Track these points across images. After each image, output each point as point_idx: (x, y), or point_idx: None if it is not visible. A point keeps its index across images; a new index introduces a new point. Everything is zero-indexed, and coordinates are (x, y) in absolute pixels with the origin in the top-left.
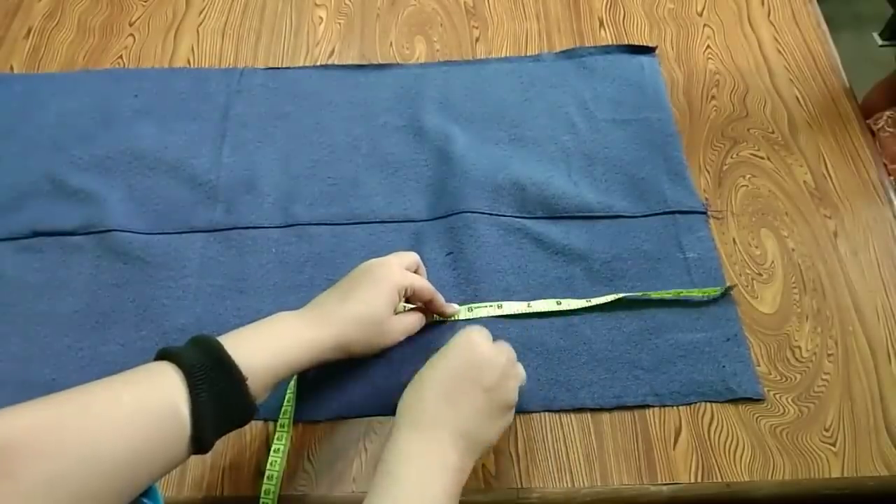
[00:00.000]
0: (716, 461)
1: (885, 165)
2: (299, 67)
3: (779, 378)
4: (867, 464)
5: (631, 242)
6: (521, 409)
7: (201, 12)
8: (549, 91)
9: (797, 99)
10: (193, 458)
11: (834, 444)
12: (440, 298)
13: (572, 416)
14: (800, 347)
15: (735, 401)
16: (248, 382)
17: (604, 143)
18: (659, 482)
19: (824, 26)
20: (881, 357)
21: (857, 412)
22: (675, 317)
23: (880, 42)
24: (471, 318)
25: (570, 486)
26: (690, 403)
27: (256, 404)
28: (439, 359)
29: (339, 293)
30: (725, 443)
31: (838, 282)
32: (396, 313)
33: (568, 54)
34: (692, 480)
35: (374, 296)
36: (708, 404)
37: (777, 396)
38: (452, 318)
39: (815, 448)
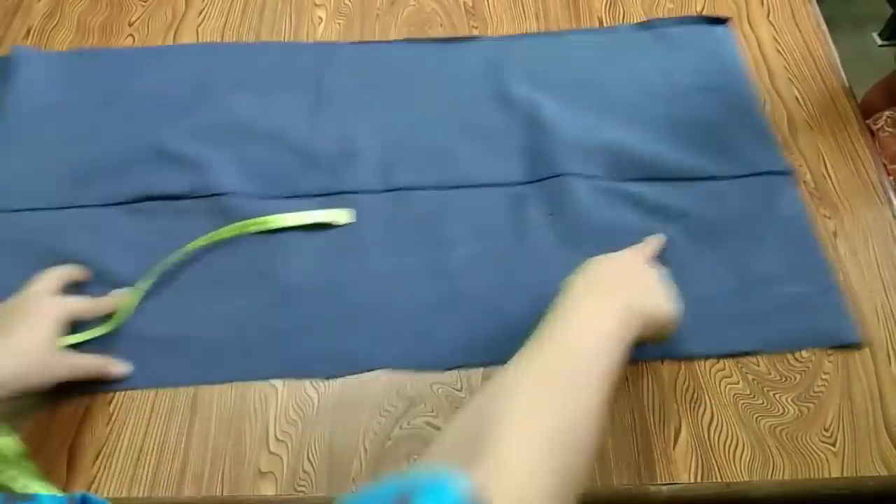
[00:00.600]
0: (716, 461)
1: (885, 165)
2: (385, 42)
3: (779, 378)
4: (867, 464)
5: (724, 202)
6: (637, 357)
7: (201, 12)
8: (629, 60)
9: (797, 99)
10: (194, 457)
11: (834, 444)
12: (98, 303)
13: None
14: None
15: (838, 348)
16: None
17: (688, 108)
18: (658, 482)
19: (824, 26)
20: (881, 357)
21: (856, 412)
22: (774, 272)
23: (880, 42)
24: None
25: None
26: (795, 351)
27: None
28: (609, 258)
29: None
30: (725, 443)
31: (838, 282)
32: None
33: (644, 25)
34: (692, 480)
35: (25, 332)
36: (707, 404)
37: (777, 396)
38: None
39: (815, 448)
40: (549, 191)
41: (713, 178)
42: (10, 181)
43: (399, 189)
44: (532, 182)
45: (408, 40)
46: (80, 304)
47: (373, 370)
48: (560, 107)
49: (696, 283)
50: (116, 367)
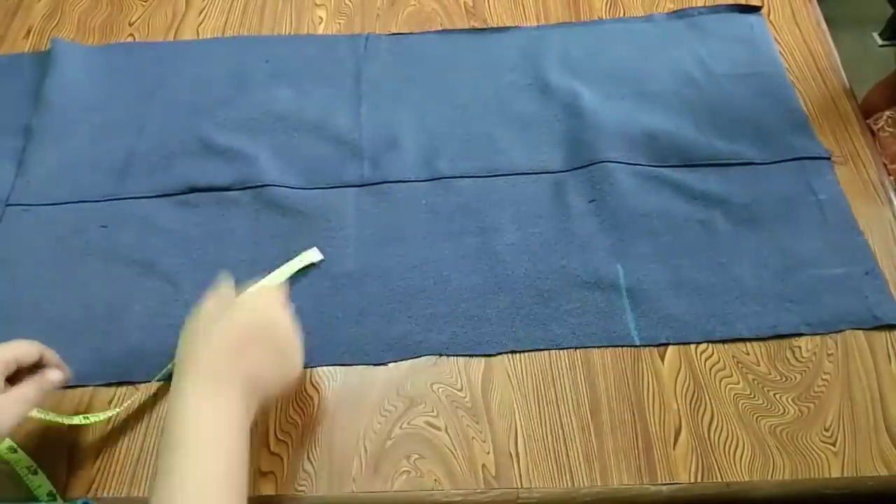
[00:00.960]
0: (716, 461)
1: (885, 165)
2: (421, 33)
3: (779, 378)
4: (867, 464)
5: (764, 187)
6: (682, 341)
7: (201, 12)
8: (665, 48)
9: (797, 99)
10: None
11: (834, 444)
12: (50, 352)
13: (572, 414)
14: (800, 347)
15: (878, 328)
16: None
17: (724, 95)
18: (659, 482)
19: (824, 26)
20: (881, 357)
21: (857, 412)
22: (816, 254)
23: (880, 42)
24: None
25: (569, 485)
26: (840, 331)
27: None
28: (239, 302)
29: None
30: (725, 443)
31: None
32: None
33: (678, 14)
34: (692, 480)
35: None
36: (707, 404)
37: (777, 396)
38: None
39: (815, 448)
40: (589, 178)
41: (751, 163)
42: (56, 173)
43: (442, 178)
44: (573, 169)
45: (442, 31)
46: (22, 348)
47: (423, 356)
48: (598, 95)
49: (738, 266)
50: (53, 374)
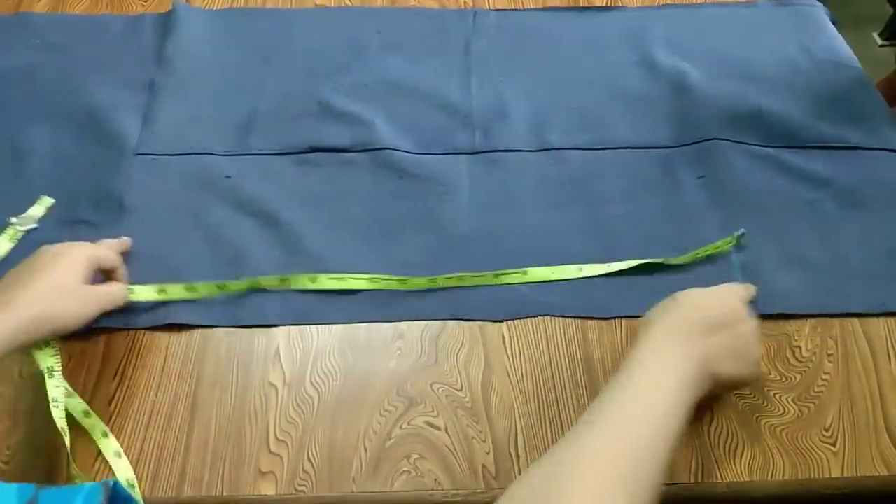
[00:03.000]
0: (716, 461)
1: None
2: (527, 9)
3: (779, 378)
4: (867, 464)
5: (870, 171)
6: (797, 313)
7: None
8: (768, 34)
9: None
10: (194, 457)
11: (834, 444)
12: (123, 268)
13: (572, 414)
14: (800, 347)
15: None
16: None
17: (828, 82)
18: None
19: None
20: (881, 357)
21: (857, 412)
22: None
23: (880, 42)
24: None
25: None
26: None
27: None
28: (704, 292)
29: (19, 276)
30: (725, 443)
31: None
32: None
33: (781, 2)
34: (692, 480)
35: (57, 269)
36: (707, 403)
37: (777, 396)
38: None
39: (815, 448)
40: (697, 154)
41: (857, 147)
42: (180, 127)
43: (551, 149)
44: (681, 146)
45: (547, 8)
46: (106, 252)
47: (539, 315)
48: (704, 75)
49: (845, 246)
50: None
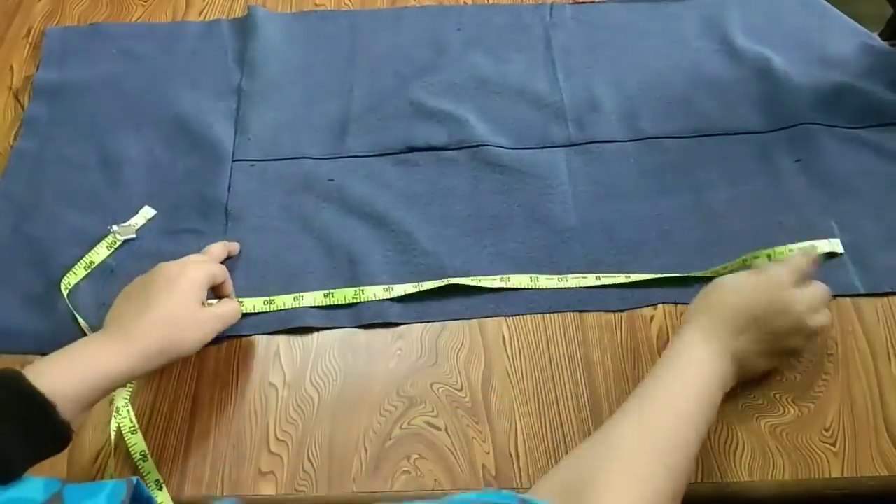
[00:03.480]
0: (716, 461)
1: None
2: (604, 2)
3: (779, 378)
4: (867, 464)
5: None
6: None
7: (201, 12)
8: (837, 19)
9: None
10: (194, 457)
11: (834, 445)
12: (230, 283)
13: (572, 414)
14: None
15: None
16: (59, 409)
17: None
18: None
19: None
20: (881, 357)
21: (857, 412)
22: None
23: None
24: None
25: None
26: None
27: (71, 425)
28: (746, 280)
29: (136, 303)
30: (725, 443)
31: None
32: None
33: None
34: (692, 480)
35: (174, 296)
36: None
37: (777, 396)
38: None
39: (815, 448)
40: (791, 139)
41: None
42: (274, 132)
43: (647, 138)
44: (774, 130)
45: (620, 1)
46: (217, 268)
47: (657, 304)
48: (785, 58)
49: None
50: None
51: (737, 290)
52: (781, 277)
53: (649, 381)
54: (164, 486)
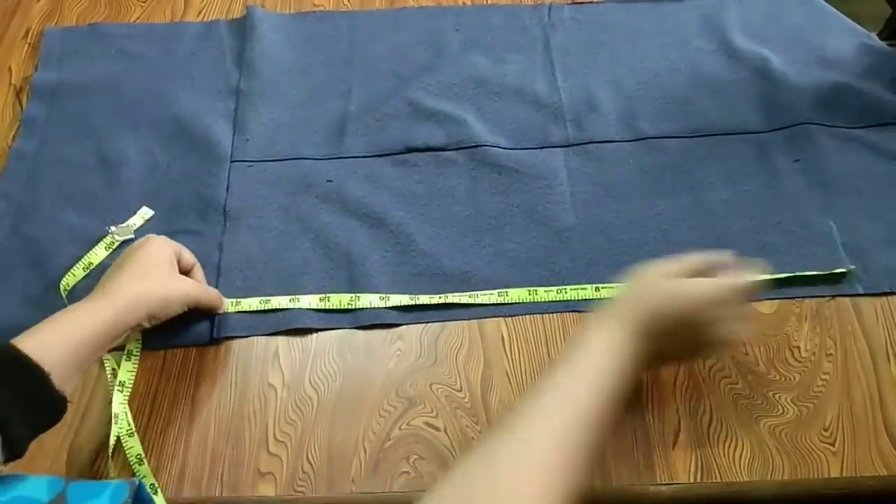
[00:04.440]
0: (715, 461)
1: None
2: (602, 2)
3: (778, 378)
4: (867, 464)
5: None
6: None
7: (200, 13)
8: (835, 19)
9: None
10: (193, 458)
11: (833, 444)
12: (200, 270)
13: None
14: (799, 347)
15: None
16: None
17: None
18: (659, 482)
19: None
20: (881, 357)
21: (856, 412)
22: None
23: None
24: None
25: None
26: None
27: (65, 395)
28: (669, 283)
29: (117, 270)
30: (725, 443)
31: None
32: None
33: None
34: (692, 480)
35: (142, 252)
36: (707, 404)
37: (777, 396)
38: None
39: (815, 448)
40: (790, 138)
41: None
42: (273, 133)
43: (646, 138)
44: (773, 130)
45: (618, 1)
46: (182, 247)
47: None
48: (784, 59)
49: None
50: (222, 304)
51: (654, 290)
52: (715, 291)
53: (554, 368)
54: (158, 490)
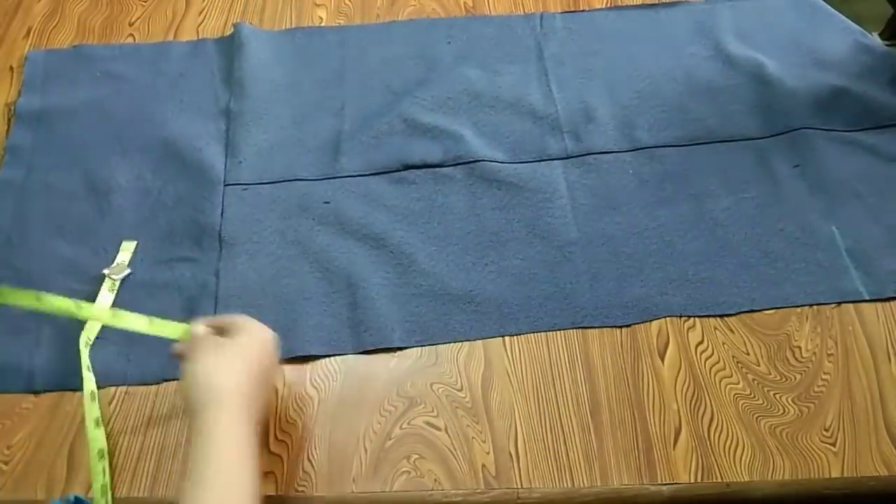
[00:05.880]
0: (716, 461)
1: None
2: (594, 10)
3: (779, 378)
4: (867, 464)
5: None
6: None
7: (201, 12)
8: (829, 19)
9: None
10: None
11: (834, 444)
12: None
13: (572, 414)
14: (800, 347)
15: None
16: None
17: (892, 61)
18: (659, 482)
19: None
20: (881, 357)
21: (856, 412)
22: None
23: (880, 42)
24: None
25: (570, 485)
26: None
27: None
28: (235, 349)
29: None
30: (725, 443)
31: None
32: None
33: None
34: (692, 480)
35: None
36: (707, 403)
37: (777, 396)
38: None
39: (815, 448)
40: (790, 144)
41: None
42: (266, 153)
43: (644, 147)
44: (771, 136)
45: (612, 7)
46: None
47: (663, 317)
48: (779, 63)
49: None
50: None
51: (228, 352)
52: (253, 321)
53: (200, 468)
54: (108, 490)
